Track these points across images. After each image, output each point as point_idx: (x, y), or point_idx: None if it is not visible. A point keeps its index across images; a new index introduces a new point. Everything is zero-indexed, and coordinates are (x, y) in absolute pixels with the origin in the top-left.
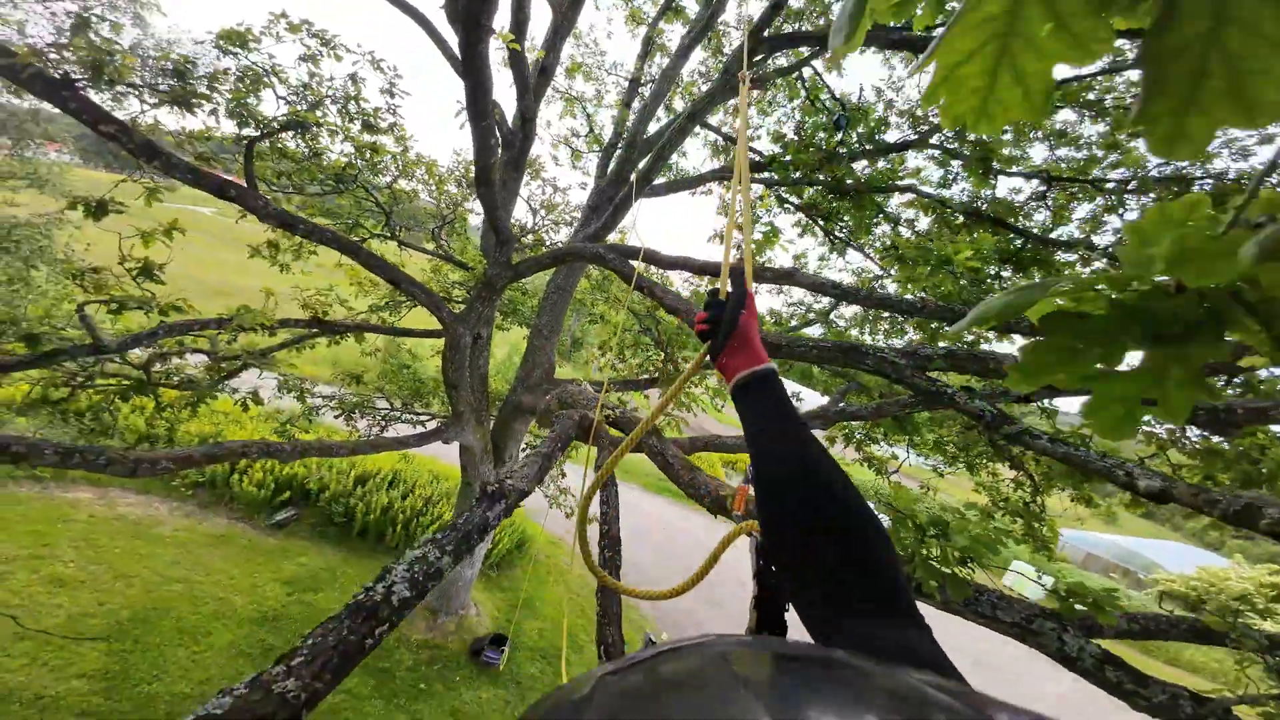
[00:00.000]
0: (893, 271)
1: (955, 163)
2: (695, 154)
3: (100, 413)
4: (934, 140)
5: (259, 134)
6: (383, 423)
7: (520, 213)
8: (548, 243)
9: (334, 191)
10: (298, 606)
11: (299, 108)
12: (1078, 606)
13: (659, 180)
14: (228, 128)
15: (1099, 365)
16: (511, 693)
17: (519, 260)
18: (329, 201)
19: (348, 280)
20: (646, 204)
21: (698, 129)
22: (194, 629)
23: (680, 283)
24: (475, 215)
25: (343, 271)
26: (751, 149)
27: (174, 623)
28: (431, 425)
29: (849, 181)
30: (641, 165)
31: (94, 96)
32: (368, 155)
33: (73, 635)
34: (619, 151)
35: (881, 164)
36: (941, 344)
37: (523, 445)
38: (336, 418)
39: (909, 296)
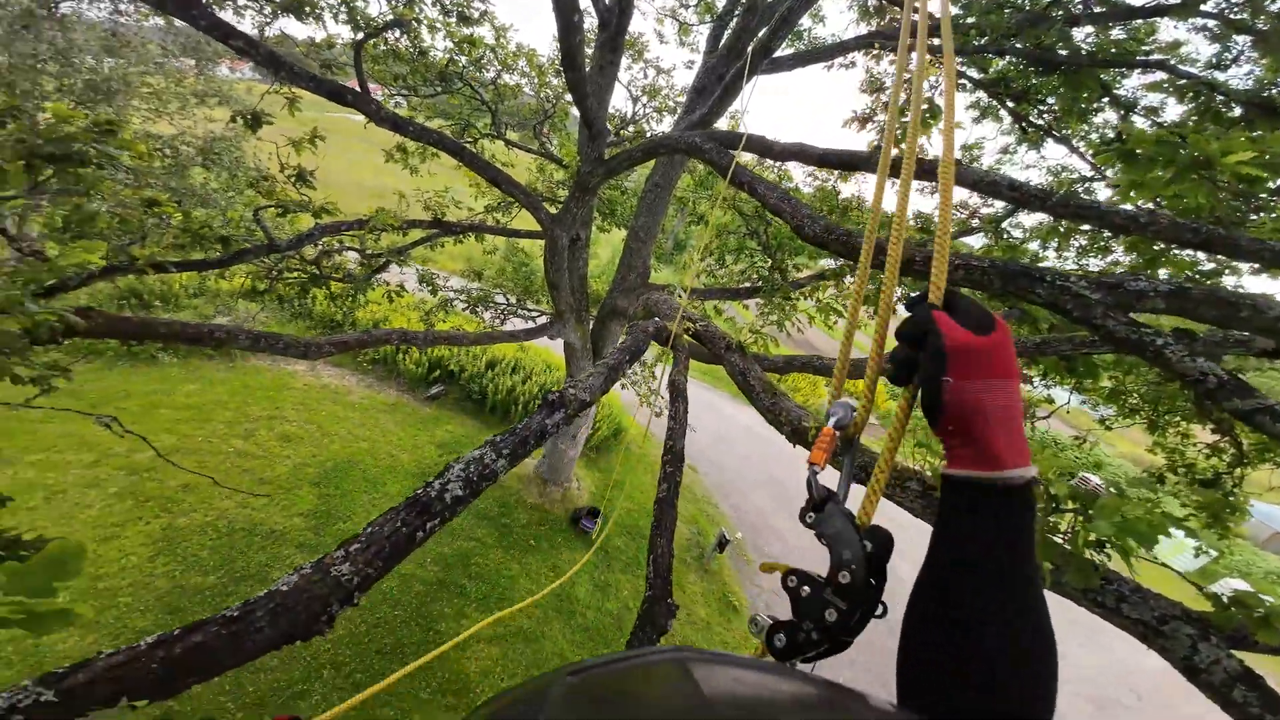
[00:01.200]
0: (1111, 173)
1: (1241, 39)
2: (836, 17)
3: (296, 299)
4: (1209, 5)
5: (364, 35)
6: (501, 315)
7: (619, 100)
8: (649, 134)
9: (444, 91)
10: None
11: (398, 5)
12: (1236, 616)
13: (783, 52)
14: (346, 34)
15: None
16: (600, 558)
17: (611, 156)
18: (441, 102)
19: (466, 181)
20: (767, 83)
21: None
22: (374, 479)
23: (802, 177)
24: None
25: (461, 172)
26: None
27: (361, 473)
28: (541, 321)
29: (1061, 52)
30: (762, 34)
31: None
32: (466, 49)
33: (294, 483)
34: (735, 19)
35: (1117, 32)
36: (1164, 275)
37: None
38: (465, 309)
39: (1128, 207)
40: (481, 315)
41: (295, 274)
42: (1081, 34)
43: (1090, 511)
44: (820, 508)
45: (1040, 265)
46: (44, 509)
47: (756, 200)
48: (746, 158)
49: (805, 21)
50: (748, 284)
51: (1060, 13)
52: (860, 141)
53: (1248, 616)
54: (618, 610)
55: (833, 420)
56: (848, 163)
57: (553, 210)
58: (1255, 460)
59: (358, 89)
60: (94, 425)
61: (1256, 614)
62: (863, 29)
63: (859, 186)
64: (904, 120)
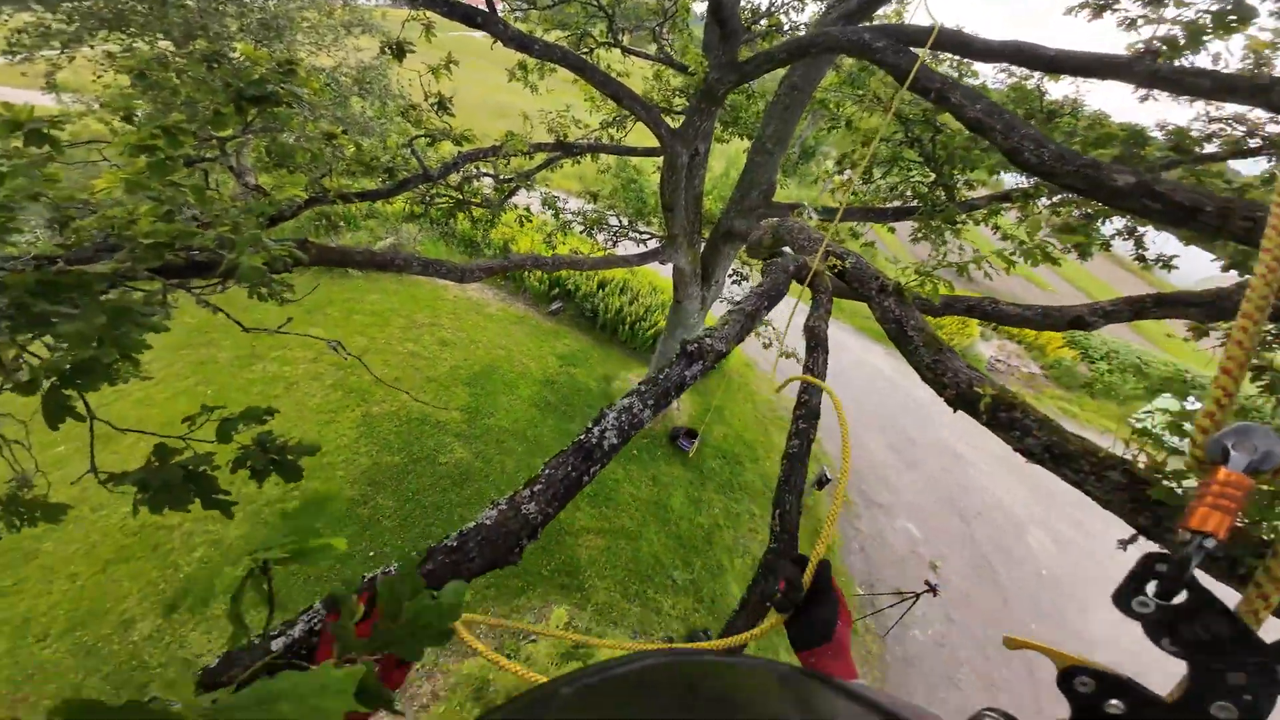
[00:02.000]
0: None
1: None
2: None
3: (443, 221)
4: None
5: None
6: (614, 238)
7: None
8: (786, 27)
9: (561, 1)
10: (565, 376)
11: None
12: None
13: None
14: None
15: None
16: (695, 476)
17: (746, 58)
18: (558, 12)
19: (582, 96)
20: None
21: None
22: (510, 382)
23: (991, 74)
24: (700, 2)
25: (579, 87)
26: None
27: (500, 377)
28: (652, 244)
29: None
30: None
31: None
32: None
33: (453, 380)
34: None
35: None
36: None
37: (729, 270)
38: (582, 232)
39: None
40: (596, 237)
41: (444, 199)
42: None
43: None
44: (1174, 594)
45: None
46: (285, 397)
47: (949, 112)
48: (928, 55)
49: None
50: (898, 203)
51: None
52: (1090, 36)
53: None
54: (709, 525)
55: (1244, 460)
56: (1094, 68)
57: (671, 123)
58: None
59: (486, 10)
60: (311, 326)
61: None
62: None
63: (1075, 88)
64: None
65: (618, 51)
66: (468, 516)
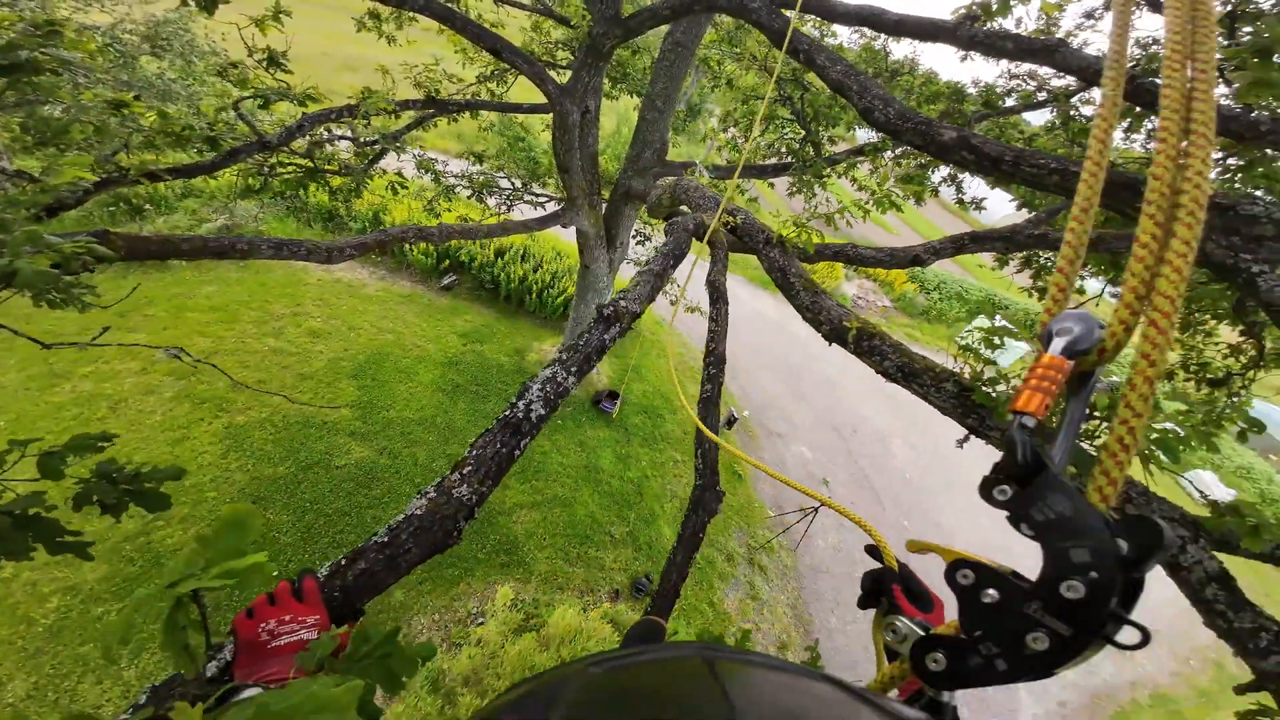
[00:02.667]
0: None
1: None
2: None
3: (293, 195)
4: None
5: None
6: (508, 202)
7: None
8: None
9: None
10: (471, 355)
11: None
12: (1228, 521)
13: None
14: None
15: None
16: (620, 434)
17: (630, 14)
18: None
19: (451, 47)
20: None
21: None
22: (406, 369)
23: (846, 35)
24: None
25: (447, 38)
26: None
27: (393, 365)
28: (550, 207)
29: None
30: None
31: None
32: None
33: (333, 376)
34: None
35: None
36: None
37: (632, 231)
38: (469, 197)
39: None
40: (486, 202)
41: (288, 169)
42: None
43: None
44: (1027, 479)
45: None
46: (112, 419)
47: (814, 72)
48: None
49: None
50: (775, 160)
51: None
52: (932, 4)
53: (1238, 524)
54: (638, 478)
55: (1061, 344)
56: (929, 32)
57: (556, 78)
58: (1272, 364)
59: None
60: (131, 333)
61: (1250, 522)
62: None
63: (914, 48)
64: None
65: (489, 0)
66: (383, 517)
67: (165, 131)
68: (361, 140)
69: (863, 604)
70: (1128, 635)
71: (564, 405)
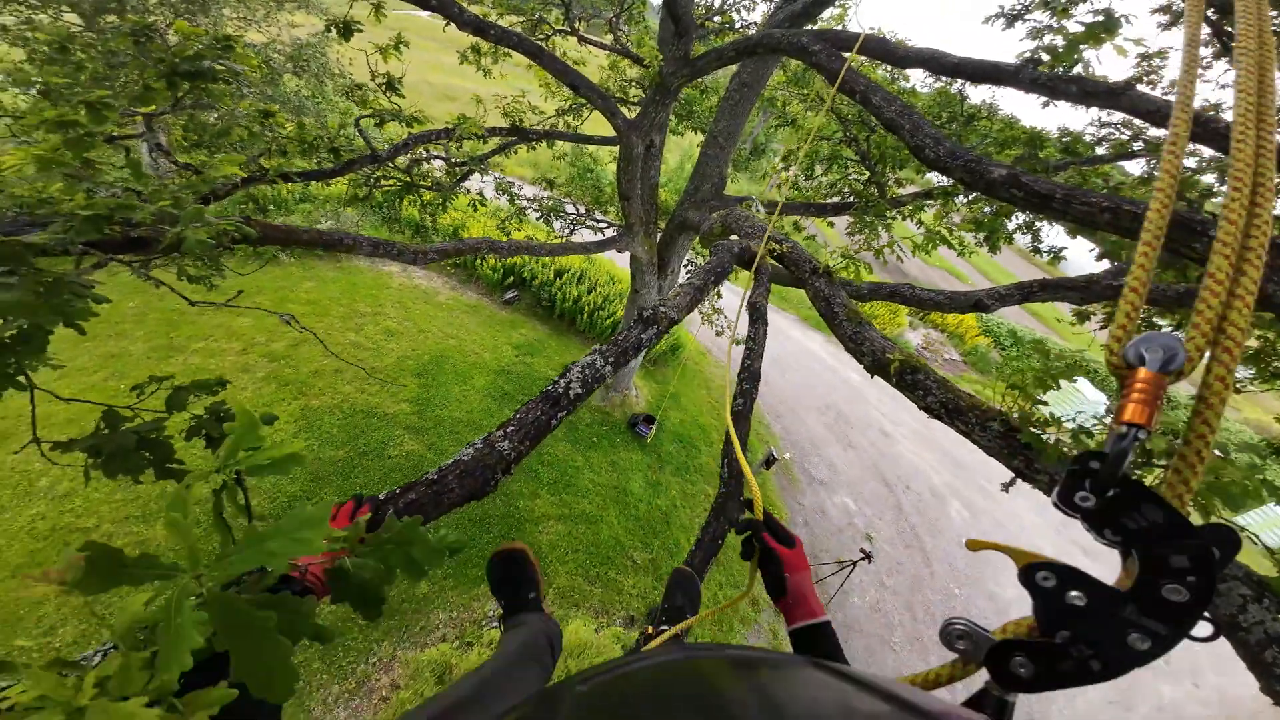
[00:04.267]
0: None
1: None
2: None
3: (391, 206)
4: None
5: None
6: (571, 225)
7: None
8: (738, 24)
9: None
10: (521, 366)
11: None
12: None
13: None
14: None
15: None
16: (653, 460)
17: (698, 54)
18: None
19: (537, 81)
20: None
21: None
22: (463, 373)
23: (920, 77)
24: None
25: (532, 72)
26: None
27: (452, 367)
28: (609, 233)
29: None
30: None
31: None
32: None
33: (399, 372)
34: None
35: None
36: None
37: (685, 261)
38: (538, 219)
39: None
40: (552, 224)
41: (391, 181)
42: None
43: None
44: (1111, 489)
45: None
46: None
47: (869, 112)
48: (860, 60)
49: None
50: (837, 199)
51: None
52: (1005, 45)
53: None
54: (667, 507)
55: (1158, 361)
56: (989, 75)
57: (627, 113)
58: None
59: None
60: (238, 317)
61: None
62: None
63: (992, 93)
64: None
65: (573, 39)
66: None
67: (300, 140)
68: (452, 160)
69: (745, 555)
70: (1200, 629)
71: (600, 424)
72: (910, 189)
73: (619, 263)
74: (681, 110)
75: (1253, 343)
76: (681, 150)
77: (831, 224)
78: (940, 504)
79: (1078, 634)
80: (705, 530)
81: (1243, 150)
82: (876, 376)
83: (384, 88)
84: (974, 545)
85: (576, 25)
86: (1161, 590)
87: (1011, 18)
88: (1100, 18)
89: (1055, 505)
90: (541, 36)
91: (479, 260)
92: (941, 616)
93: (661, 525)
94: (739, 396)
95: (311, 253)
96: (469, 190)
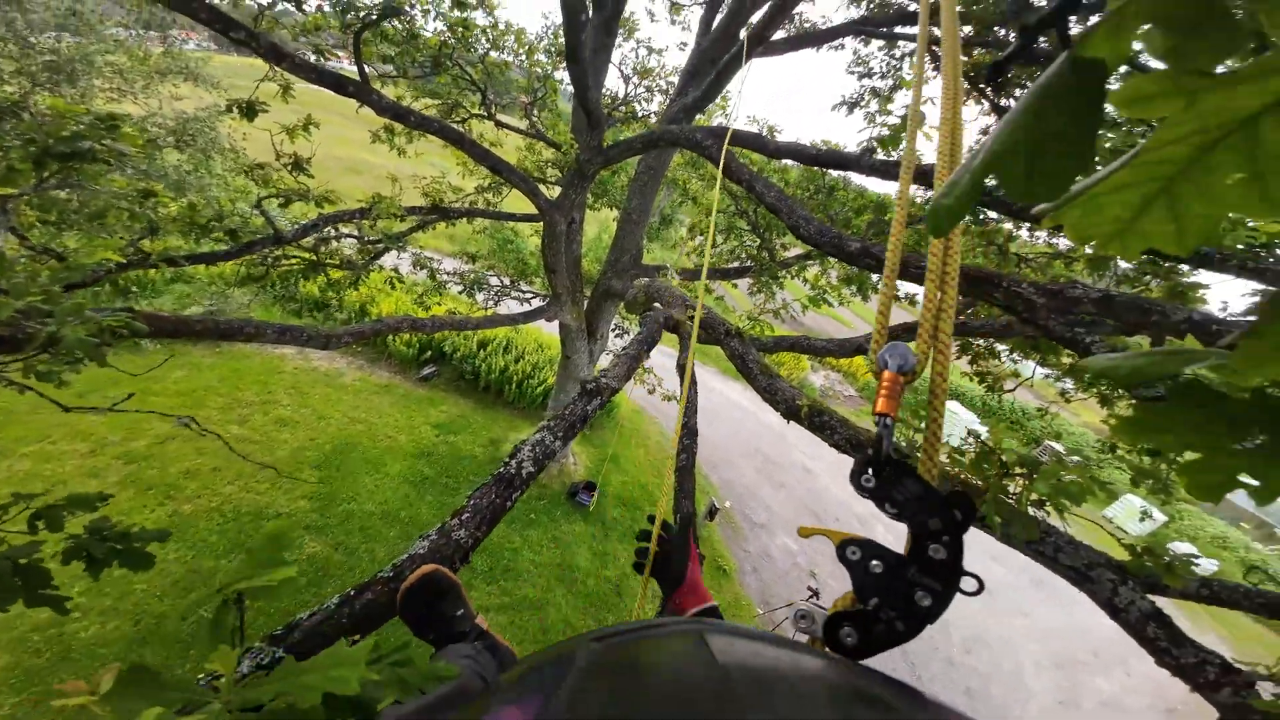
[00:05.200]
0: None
1: None
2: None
3: (288, 285)
4: None
5: (361, 25)
6: (496, 297)
7: (611, 80)
8: (640, 113)
9: (433, 72)
10: (444, 446)
11: None
12: (1147, 564)
13: (776, 36)
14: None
15: (1219, 439)
16: (597, 529)
17: (610, 145)
18: (429, 82)
19: (454, 161)
20: (757, 64)
21: None
22: (374, 460)
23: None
24: (568, 86)
25: (450, 152)
26: None
27: (360, 455)
28: (535, 303)
29: (1043, 44)
30: (756, 19)
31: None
32: (459, 32)
33: (294, 466)
34: (728, 3)
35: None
36: (1100, 285)
37: (612, 325)
38: (460, 292)
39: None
40: (475, 297)
41: (294, 261)
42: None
43: (1034, 475)
44: (884, 468)
45: (999, 271)
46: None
47: (754, 197)
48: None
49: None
50: (736, 263)
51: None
52: (849, 127)
53: (1157, 564)
54: (616, 577)
55: (895, 364)
56: (839, 163)
57: (546, 192)
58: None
59: (358, 79)
60: (88, 416)
61: (1164, 561)
62: (853, 12)
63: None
64: (907, 116)
65: (490, 123)
66: None
67: (190, 221)
68: (366, 239)
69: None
70: (967, 584)
71: (537, 497)
72: (795, 251)
73: (547, 330)
74: (597, 189)
75: (1066, 359)
76: (598, 222)
77: (735, 285)
78: (867, 529)
79: (883, 599)
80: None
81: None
82: (790, 422)
83: (291, 167)
84: (805, 532)
85: (493, 111)
86: (928, 550)
87: (851, 105)
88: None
89: (851, 484)
90: (458, 119)
91: (392, 336)
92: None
93: (612, 598)
94: (681, 452)
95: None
96: (383, 267)
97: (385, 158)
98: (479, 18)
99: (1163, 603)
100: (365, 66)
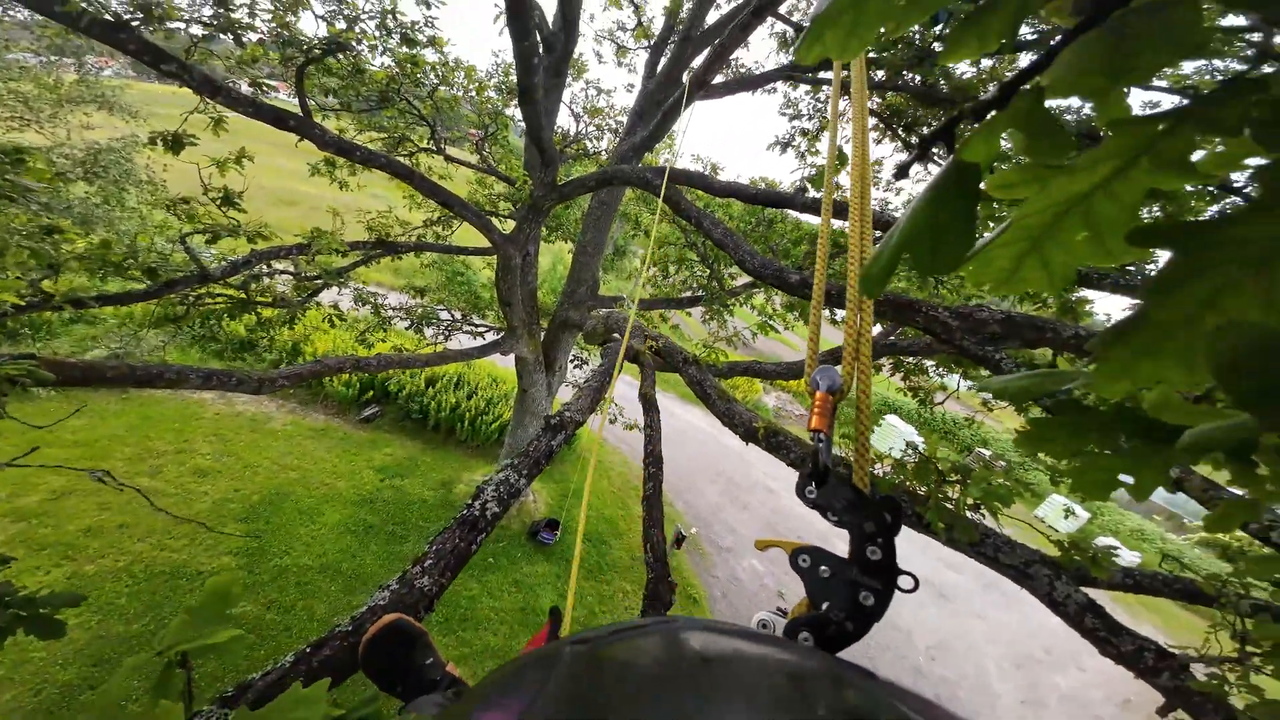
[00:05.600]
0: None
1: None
2: (759, 46)
3: (208, 325)
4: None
5: (305, 59)
6: (446, 332)
7: (562, 118)
8: (591, 151)
9: (380, 106)
10: (389, 490)
11: (337, 25)
12: (1075, 558)
13: (716, 80)
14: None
15: (1095, 445)
16: (562, 568)
17: (564, 182)
18: (375, 115)
19: (401, 193)
20: (700, 106)
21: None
22: (309, 510)
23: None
24: (519, 123)
25: (396, 184)
26: None
27: (294, 505)
28: (489, 336)
29: (942, 89)
30: (697, 63)
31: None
32: (408, 68)
33: (217, 520)
34: (671, 49)
35: (987, 62)
36: (1002, 308)
37: (570, 356)
38: (407, 327)
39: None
40: (423, 333)
41: (219, 300)
42: (962, 67)
43: (967, 481)
44: (824, 479)
45: (918, 298)
46: None
47: (702, 234)
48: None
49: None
50: (689, 293)
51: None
52: (782, 164)
53: (1084, 557)
54: (584, 616)
55: (824, 385)
56: (776, 202)
57: (497, 223)
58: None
59: (300, 114)
60: None
61: (1089, 555)
62: (783, 58)
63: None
64: (839, 157)
65: (440, 157)
66: None
67: (104, 260)
68: (303, 275)
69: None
70: (904, 582)
71: (496, 539)
72: (743, 280)
73: (501, 364)
74: (551, 222)
75: (984, 372)
76: (552, 253)
77: (690, 314)
78: (830, 545)
79: (833, 601)
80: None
81: (854, 230)
82: (749, 444)
83: (220, 202)
84: (761, 545)
85: (442, 145)
86: (866, 552)
87: (784, 144)
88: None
89: (797, 496)
90: (405, 153)
91: (329, 377)
92: (858, 652)
93: None
94: (648, 480)
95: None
96: (319, 304)
97: (323, 189)
98: (428, 54)
99: (1101, 597)
100: (307, 99)
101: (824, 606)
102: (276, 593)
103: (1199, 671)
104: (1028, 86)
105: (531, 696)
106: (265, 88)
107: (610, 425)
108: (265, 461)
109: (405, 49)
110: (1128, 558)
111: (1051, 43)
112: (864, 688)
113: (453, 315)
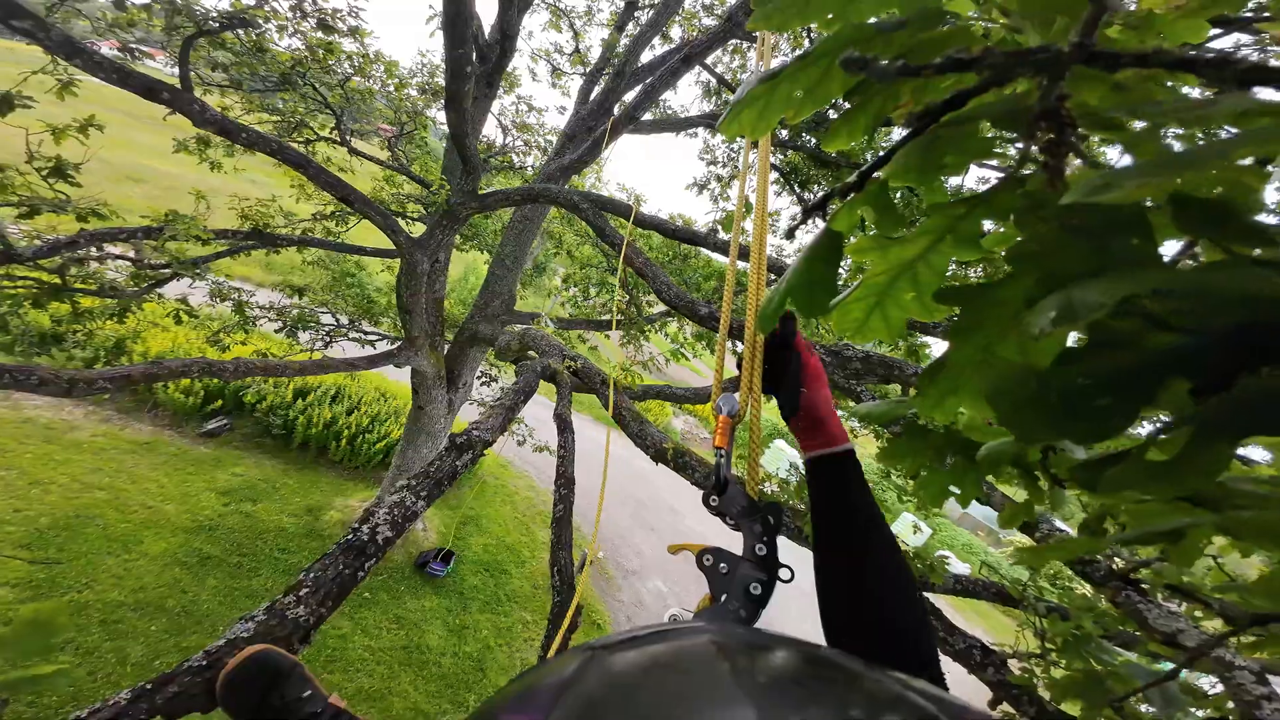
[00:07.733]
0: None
1: None
2: (685, 91)
3: (5, 315)
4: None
5: (197, 31)
6: (327, 338)
7: (489, 129)
8: (517, 164)
9: (278, 88)
10: (236, 517)
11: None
12: (919, 565)
13: (645, 117)
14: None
15: (930, 461)
16: (454, 601)
17: (486, 192)
18: (269, 96)
19: (290, 181)
20: (627, 138)
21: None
22: (123, 536)
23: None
24: (442, 125)
25: (283, 171)
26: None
27: (100, 530)
28: (382, 345)
29: (833, 154)
30: (629, 98)
31: None
32: (320, 54)
33: None
34: (605, 80)
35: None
36: (862, 349)
37: (478, 372)
38: (278, 331)
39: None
40: (298, 337)
41: (22, 284)
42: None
43: None
44: (724, 489)
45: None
46: None
47: (625, 263)
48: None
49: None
50: (607, 316)
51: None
52: (698, 204)
53: (925, 566)
54: (478, 652)
55: (726, 410)
56: (691, 239)
57: (404, 224)
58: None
59: (178, 85)
60: None
61: (929, 564)
62: (706, 106)
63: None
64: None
65: (342, 150)
66: None
67: None
68: (146, 261)
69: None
70: (784, 574)
71: (374, 573)
72: (659, 308)
73: (392, 376)
74: (467, 231)
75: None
76: (464, 263)
77: (608, 336)
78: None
79: (730, 593)
80: (544, 644)
81: (753, 276)
82: (659, 464)
83: (48, 173)
84: (673, 549)
85: (348, 138)
86: (755, 549)
87: (700, 186)
88: (736, 203)
89: (703, 505)
90: (301, 140)
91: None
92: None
93: (475, 675)
94: (558, 503)
95: None
96: (162, 296)
97: (185, 168)
98: (346, 44)
99: (939, 601)
100: (190, 71)
101: (723, 598)
102: (74, 633)
103: (1015, 666)
104: (877, 175)
105: (549, 708)
106: (138, 53)
107: (518, 448)
108: (61, 478)
109: (320, 34)
110: (958, 567)
111: (892, 145)
112: (892, 686)
113: (337, 320)
